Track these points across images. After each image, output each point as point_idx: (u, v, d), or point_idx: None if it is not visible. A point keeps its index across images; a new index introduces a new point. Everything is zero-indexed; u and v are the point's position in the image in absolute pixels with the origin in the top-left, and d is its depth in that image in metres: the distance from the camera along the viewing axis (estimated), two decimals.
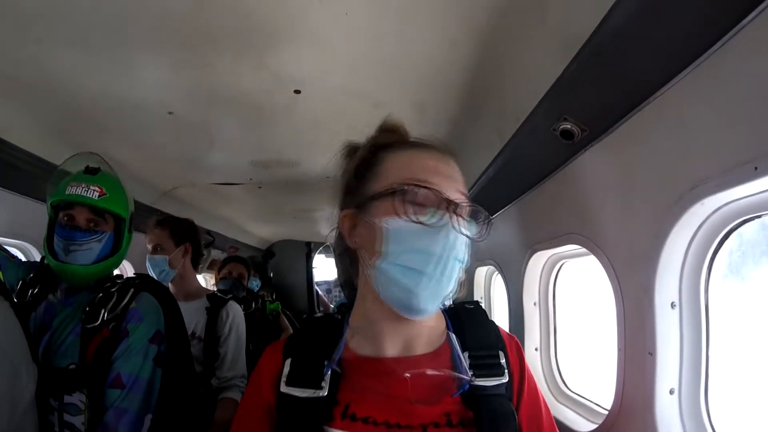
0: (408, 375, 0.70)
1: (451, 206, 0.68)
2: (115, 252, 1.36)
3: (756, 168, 0.72)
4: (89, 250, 1.30)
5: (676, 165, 0.91)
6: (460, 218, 0.68)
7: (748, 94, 0.72)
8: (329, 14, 1.07)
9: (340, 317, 0.81)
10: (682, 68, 0.80)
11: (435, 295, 0.68)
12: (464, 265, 0.70)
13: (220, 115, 1.66)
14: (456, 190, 0.70)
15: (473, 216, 0.72)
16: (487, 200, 1.90)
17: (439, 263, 0.66)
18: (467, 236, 0.69)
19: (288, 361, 0.74)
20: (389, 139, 0.78)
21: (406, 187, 0.68)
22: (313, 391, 0.70)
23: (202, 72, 1.33)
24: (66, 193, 1.28)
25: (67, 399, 1.22)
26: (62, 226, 1.30)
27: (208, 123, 1.74)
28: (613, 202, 1.16)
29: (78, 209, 1.30)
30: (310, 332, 0.78)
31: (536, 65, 1.13)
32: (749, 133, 0.74)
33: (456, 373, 0.70)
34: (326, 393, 0.69)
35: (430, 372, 0.70)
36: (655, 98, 0.89)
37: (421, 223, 0.66)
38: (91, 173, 1.36)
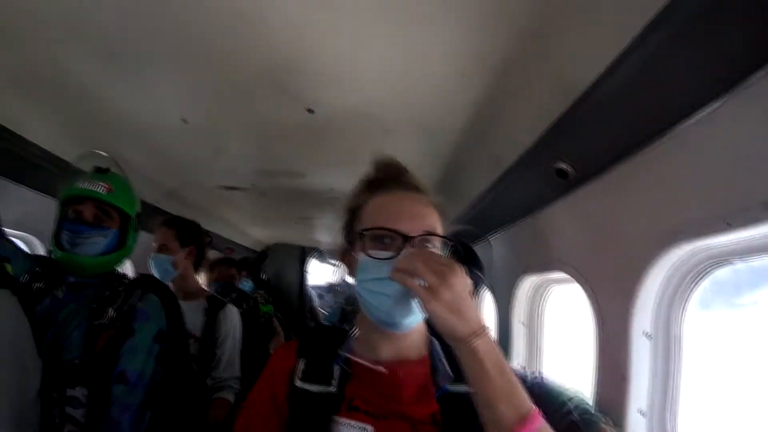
0: (412, 375, 0.84)
1: (406, 241, 0.80)
2: (119, 248, 1.41)
3: (728, 224, 0.82)
4: (94, 244, 1.34)
5: (657, 212, 1.00)
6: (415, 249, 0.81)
7: (725, 159, 0.82)
8: (348, 46, 1.13)
9: (344, 327, 0.95)
10: (670, 127, 0.89)
11: (403, 313, 0.79)
12: None
13: (233, 125, 1.72)
14: (418, 226, 0.82)
15: (427, 242, 0.84)
16: (482, 223, 1.98)
17: (397, 288, 0.76)
18: None
19: (302, 361, 0.86)
20: (377, 176, 0.94)
21: (366, 233, 0.84)
22: (324, 387, 0.82)
23: (219, 86, 1.38)
24: (76, 187, 1.34)
25: (69, 392, 1.24)
26: (70, 220, 1.34)
27: (220, 132, 1.80)
28: (599, 238, 1.25)
29: (86, 204, 1.35)
30: (321, 337, 0.92)
31: (538, 106, 1.21)
32: (723, 192, 0.83)
33: (437, 377, 0.84)
34: (336, 389, 0.82)
35: (416, 375, 0.84)
36: (644, 151, 0.98)
37: (377, 257, 0.81)
38: (100, 172, 1.42)
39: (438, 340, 0.91)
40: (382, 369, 0.85)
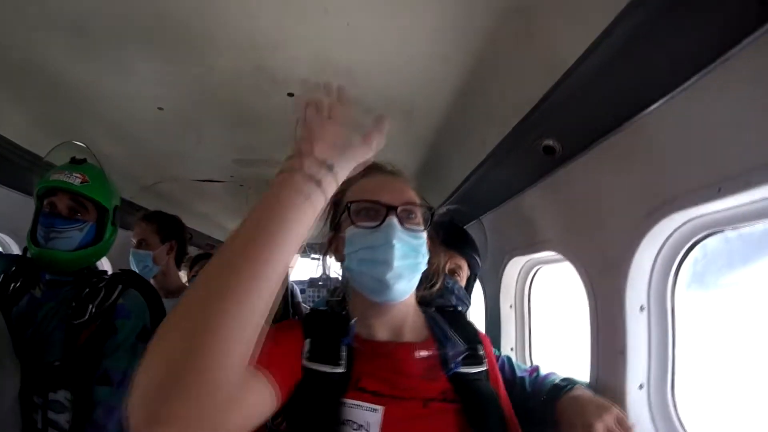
0: (421, 354, 0.86)
1: (390, 210, 0.85)
2: (96, 243, 1.37)
3: (719, 189, 0.82)
4: (69, 238, 1.30)
5: (647, 183, 1.00)
6: (399, 217, 0.86)
7: (715, 126, 0.82)
8: (331, 23, 1.10)
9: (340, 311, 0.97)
10: (658, 98, 0.88)
11: (394, 277, 0.82)
12: (418, 252, 0.87)
13: (211, 113, 1.67)
14: (399, 198, 0.88)
15: (410, 213, 0.89)
16: (471, 205, 1.97)
17: (386, 252, 0.82)
18: (407, 228, 0.86)
19: (308, 341, 0.85)
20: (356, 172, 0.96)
21: (351, 205, 0.89)
22: (332, 366, 0.82)
23: (197, 70, 1.33)
24: (50, 179, 1.30)
25: (51, 396, 1.20)
26: (45, 214, 1.31)
27: (198, 120, 1.74)
28: (589, 213, 1.25)
29: (59, 196, 1.31)
30: (322, 319, 0.92)
31: (522, 85, 1.20)
32: (714, 159, 0.83)
33: (446, 356, 0.87)
34: (344, 369, 0.82)
35: (426, 354, 0.87)
36: (632, 123, 0.97)
37: (364, 227, 0.86)
38: (76, 163, 1.37)
39: (442, 317, 0.94)
40: (392, 346, 0.87)
